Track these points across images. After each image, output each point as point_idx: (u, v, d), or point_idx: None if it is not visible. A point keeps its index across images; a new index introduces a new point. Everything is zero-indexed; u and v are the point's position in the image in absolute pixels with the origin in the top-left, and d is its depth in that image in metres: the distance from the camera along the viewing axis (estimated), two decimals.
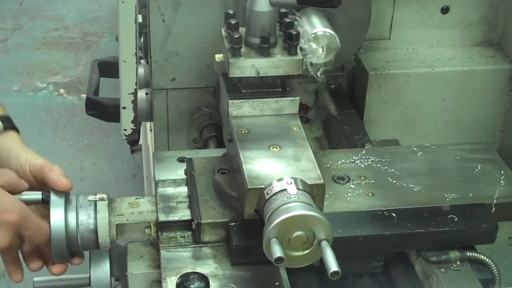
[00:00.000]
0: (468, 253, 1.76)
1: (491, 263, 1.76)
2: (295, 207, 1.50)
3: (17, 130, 1.84)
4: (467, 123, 2.53)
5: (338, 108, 2.46)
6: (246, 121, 1.76)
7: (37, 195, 1.70)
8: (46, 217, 1.69)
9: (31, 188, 1.73)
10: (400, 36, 2.52)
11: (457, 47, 2.55)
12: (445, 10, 2.49)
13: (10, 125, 1.82)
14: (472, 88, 2.47)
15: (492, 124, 2.54)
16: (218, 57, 1.82)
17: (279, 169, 1.62)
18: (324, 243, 1.51)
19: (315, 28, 2.09)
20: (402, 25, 2.51)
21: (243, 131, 1.73)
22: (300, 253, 1.53)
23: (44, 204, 1.72)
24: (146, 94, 2.47)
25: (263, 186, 1.57)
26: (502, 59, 2.50)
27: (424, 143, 2.07)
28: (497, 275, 1.76)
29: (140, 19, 2.48)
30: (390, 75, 2.43)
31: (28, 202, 1.68)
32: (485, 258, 1.76)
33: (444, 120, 2.51)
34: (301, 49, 1.78)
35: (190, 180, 1.84)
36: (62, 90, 5.45)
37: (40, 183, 1.73)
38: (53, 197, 1.70)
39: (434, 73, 2.45)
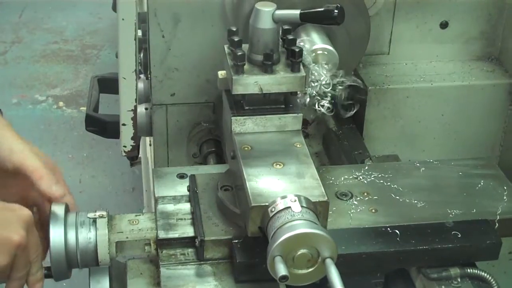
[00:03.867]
0: (468, 270, 1.75)
1: (492, 280, 1.75)
2: (299, 225, 1.50)
3: None
4: (467, 138, 2.52)
5: (337, 123, 2.46)
6: (249, 138, 1.75)
7: None
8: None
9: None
10: (400, 51, 2.52)
11: (456, 62, 2.55)
12: (444, 25, 2.49)
13: None
14: (472, 103, 2.47)
15: (491, 139, 2.54)
16: (221, 73, 1.82)
17: (282, 187, 1.61)
18: (328, 261, 1.50)
19: (314, 45, 2.09)
20: (401, 40, 2.50)
21: (246, 148, 1.73)
22: (304, 271, 1.53)
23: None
24: (146, 109, 2.46)
25: (267, 204, 1.57)
26: (502, 73, 2.50)
27: (423, 158, 2.07)
28: None
29: (140, 34, 2.48)
30: (390, 90, 2.42)
31: None
32: (485, 274, 1.75)
33: (443, 135, 2.51)
34: (303, 65, 1.77)
35: (193, 197, 1.83)
36: (61, 103, 5.45)
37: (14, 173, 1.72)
38: (53, 214, 1.70)
39: (434, 88, 2.44)
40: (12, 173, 1.73)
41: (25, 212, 1.59)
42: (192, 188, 1.86)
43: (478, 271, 1.75)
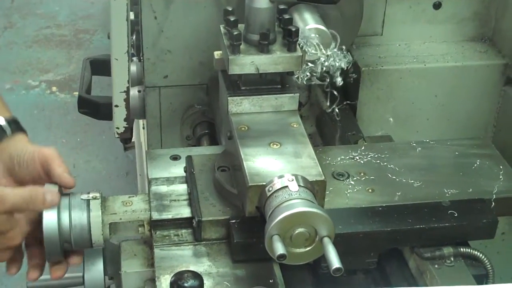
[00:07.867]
0: (461, 249, 1.76)
1: (485, 259, 1.76)
2: (297, 204, 1.50)
3: (24, 132, 1.82)
4: (460, 119, 2.52)
5: (331, 104, 2.45)
6: (246, 118, 1.76)
7: None
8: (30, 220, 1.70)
9: (37, 179, 1.72)
10: (393, 31, 2.51)
11: (450, 43, 2.54)
12: (437, 6, 2.48)
13: (17, 128, 1.81)
14: (465, 84, 2.46)
15: (485, 120, 2.53)
16: (217, 54, 1.81)
17: (279, 166, 1.62)
18: (326, 239, 1.51)
19: (307, 25, 2.09)
20: (394, 20, 2.50)
21: (243, 128, 1.73)
22: (302, 250, 1.54)
23: None
24: (139, 91, 2.45)
25: (264, 183, 1.57)
26: (495, 54, 2.50)
27: (417, 139, 2.07)
28: (490, 270, 1.76)
29: (132, 16, 2.47)
30: (383, 71, 2.42)
31: None
32: (478, 253, 1.76)
33: (436, 116, 2.50)
34: (299, 45, 1.77)
35: (190, 178, 1.83)
36: (54, 88, 5.44)
37: (46, 174, 1.72)
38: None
39: (427, 69, 2.44)
40: (25, 164, 1.74)
41: None
42: (188, 169, 1.85)
43: (472, 250, 1.76)
